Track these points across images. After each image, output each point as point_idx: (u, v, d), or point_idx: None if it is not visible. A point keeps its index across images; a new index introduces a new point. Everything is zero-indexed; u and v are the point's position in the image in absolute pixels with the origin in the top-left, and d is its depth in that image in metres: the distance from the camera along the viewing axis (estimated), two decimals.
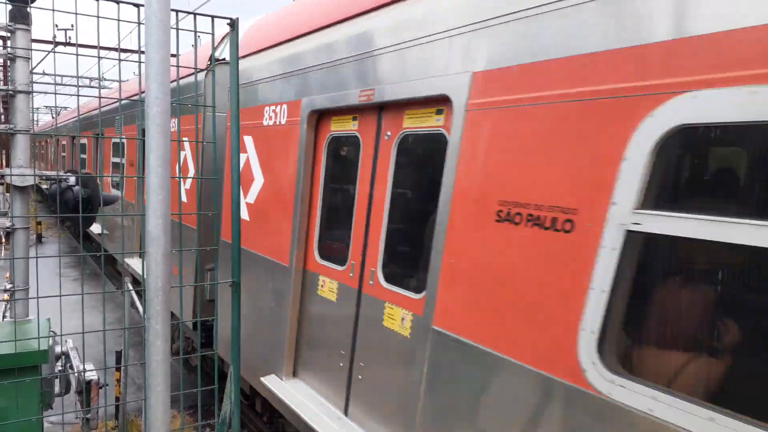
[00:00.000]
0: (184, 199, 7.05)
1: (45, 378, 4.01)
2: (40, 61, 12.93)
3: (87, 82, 23.87)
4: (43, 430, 4.05)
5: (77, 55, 2.81)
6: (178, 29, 2.56)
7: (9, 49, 4.15)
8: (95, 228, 12.89)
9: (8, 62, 4.29)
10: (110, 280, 13.80)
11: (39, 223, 18.56)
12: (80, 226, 3.61)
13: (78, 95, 3.84)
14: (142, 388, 4.00)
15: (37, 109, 41.36)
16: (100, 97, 2.70)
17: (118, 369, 6.30)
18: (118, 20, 2.45)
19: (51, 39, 18.19)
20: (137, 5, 2.30)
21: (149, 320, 2.12)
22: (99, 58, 2.71)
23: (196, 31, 2.65)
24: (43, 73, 25.10)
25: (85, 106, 15.89)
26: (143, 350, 2.34)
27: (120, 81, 2.71)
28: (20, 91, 4.16)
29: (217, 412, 3.14)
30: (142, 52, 2.17)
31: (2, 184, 4.13)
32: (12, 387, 3.38)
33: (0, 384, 3.26)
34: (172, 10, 2.16)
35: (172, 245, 2.16)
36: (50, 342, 4.03)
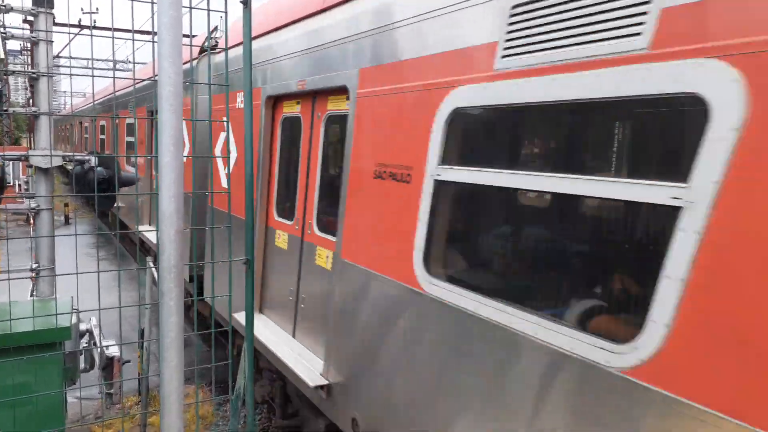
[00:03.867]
0: (224, 184, 6.30)
1: (69, 355, 4.12)
2: (66, 45, 13.12)
3: (111, 65, 24.08)
4: (66, 404, 4.17)
5: (92, 36, 2.83)
6: (191, 8, 2.57)
7: (32, 33, 4.22)
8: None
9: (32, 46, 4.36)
10: (136, 259, 14.05)
11: (66, 205, 18.92)
12: (95, 206, 3.68)
13: (92, 76, 3.89)
14: None
15: (65, 92, 41.90)
16: (114, 78, 2.73)
17: (141, 346, 6.42)
18: (132, 0, 2.46)
19: (75, 23, 18.42)
20: None
21: (163, 297, 2.16)
22: (113, 38, 2.73)
23: (209, 10, 2.65)
24: (69, 57, 25.43)
25: (110, 88, 16.02)
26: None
27: (134, 63, 2.73)
28: (43, 74, 4.24)
29: (231, 387, 3.19)
30: (156, 33, 2.18)
31: (31, 166, 4.22)
32: (32, 363, 3.46)
33: (19, 360, 3.34)
34: None
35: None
36: (73, 319, 4.13)
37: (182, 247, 2.18)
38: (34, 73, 4.24)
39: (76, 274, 2.92)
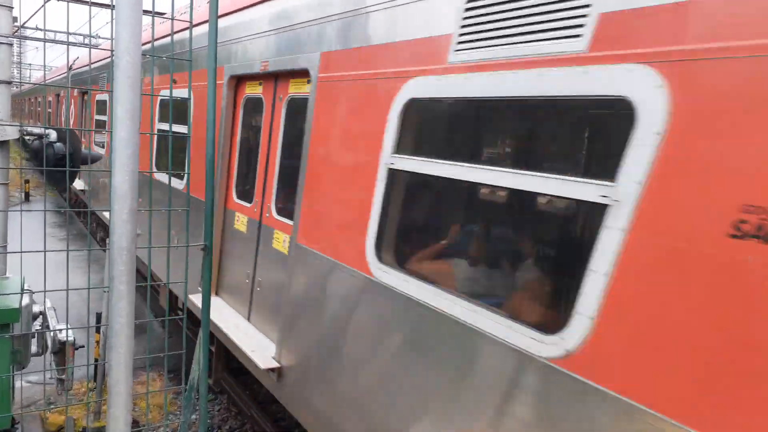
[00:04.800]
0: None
1: (18, 337, 3.95)
2: (33, 15, 12.68)
3: (81, 39, 23.43)
4: (13, 388, 3.99)
5: (44, 3, 2.67)
6: None
7: None
8: (78, 184, 12.71)
9: None
10: (96, 240, 13.70)
11: (27, 182, 18.33)
12: (45, 179, 3.49)
13: (44, 41, 3.70)
14: None
15: (30, 65, 40.68)
16: (69, 44, 2.55)
17: (98, 330, 6.23)
18: None
19: None
20: None
21: (113, 281, 2.04)
22: (68, 5, 2.57)
23: None
24: (36, 28, 24.64)
25: (77, 63, 15.63)
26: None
27: (90, 35, 2.58)
28: (1, 42, 4.04)
29: (184, 377, 3.07)
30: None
31: None
32: None
33: None
34: None
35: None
36: (25, 300, 3.96)
37: (135, 228, 2.06)
38: None
39: (20, 252, 2.77)
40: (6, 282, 3.94)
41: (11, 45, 4.14)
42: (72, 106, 14.63)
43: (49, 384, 6.10)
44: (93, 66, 10.96)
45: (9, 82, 4.11)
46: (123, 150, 1.98)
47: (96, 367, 6.25)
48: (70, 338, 4.29)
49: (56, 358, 4.43)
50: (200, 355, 3.04)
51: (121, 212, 2.01)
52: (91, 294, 3.46)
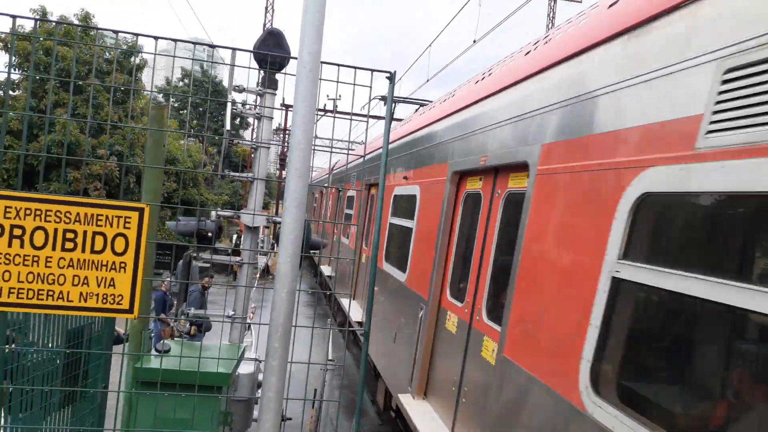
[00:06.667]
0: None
1: (240, 402, 4.42)
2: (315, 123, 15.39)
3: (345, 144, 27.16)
4: None
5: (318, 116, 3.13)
6: (338, 82, 2.72)
7: (258, 109, 4.92)
8: (326, 270, 14.51)
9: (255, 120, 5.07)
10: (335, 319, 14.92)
11: None
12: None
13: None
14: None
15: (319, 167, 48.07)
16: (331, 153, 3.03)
17: (313, 405, 6.66)
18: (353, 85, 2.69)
19: (321, 108, 21.25)
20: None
21: (267, 356, 2.18)
22: (333, 119, 2.99)
23: (355, 84, 2.78)
24: (316, 137, 29.24)
25: (339, 163, 18.42)
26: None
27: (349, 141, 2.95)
28: (261, 146, 4.89)
29: None
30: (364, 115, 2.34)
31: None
32: (192, 402, 3.71)
33: (178, 398, 3.62)
34: (329, 63, 2.28)
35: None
36: (249, 369, 4.45)
37: (293, 307, 2.20)
38: (252, 144, 4.95)
39: (259, 324, 3.11)
40: (230, 348, 4.44)
41: (269, 148, 4.97)
42: (330, 201, 16.93)
43: None
44: (339, 169, 12.60)
45: (263, 180, 4.90)
46: (288, 235, 2.17)
47: None
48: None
49: None
50: (355, 425, 3.04)
51: (281, 291, 2.17)
52: (315, 370, 3.70)
